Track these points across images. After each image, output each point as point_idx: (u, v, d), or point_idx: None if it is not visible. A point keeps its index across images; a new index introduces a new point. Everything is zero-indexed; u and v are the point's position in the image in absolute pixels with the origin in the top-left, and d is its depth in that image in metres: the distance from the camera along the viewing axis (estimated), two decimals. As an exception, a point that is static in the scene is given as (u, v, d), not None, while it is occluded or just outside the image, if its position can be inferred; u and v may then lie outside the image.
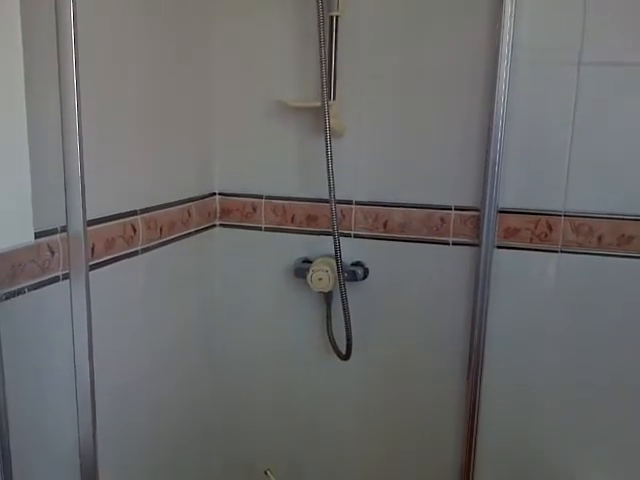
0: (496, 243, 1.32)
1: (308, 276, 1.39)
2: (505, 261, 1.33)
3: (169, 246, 1.29)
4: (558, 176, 1.28)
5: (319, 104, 1.28)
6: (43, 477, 0.99)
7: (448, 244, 1.36)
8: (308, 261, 1.43)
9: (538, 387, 1.38)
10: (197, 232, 1.42)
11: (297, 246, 1.46)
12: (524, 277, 1.33)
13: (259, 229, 1.49)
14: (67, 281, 0.87)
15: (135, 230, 1.17)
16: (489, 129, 1.26)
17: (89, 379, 0.83)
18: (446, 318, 1.40)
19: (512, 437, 1.42)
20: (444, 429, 1.45)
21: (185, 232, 1.36)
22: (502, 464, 1.44)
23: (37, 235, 0.90)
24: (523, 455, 1.42)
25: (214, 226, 1.50)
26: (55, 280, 0.97)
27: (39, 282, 0.94)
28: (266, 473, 1.45)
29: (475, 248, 1.33)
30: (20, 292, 0.91)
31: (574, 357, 1.34)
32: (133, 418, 1.24)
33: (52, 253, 0.96)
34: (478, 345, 1.35)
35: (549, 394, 1.37)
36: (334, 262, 1.34)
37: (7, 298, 0.89)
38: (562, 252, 1.31)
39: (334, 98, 1.34)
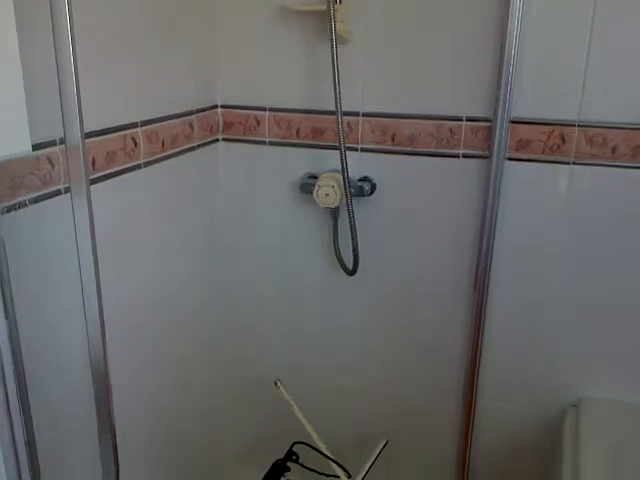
0: (507, 155, 1.29)
1: (314, 192, 1.37)
2: (516, 174, 1.30)
3: (172, 160, 1.27)
4: (573, 85, 1.23)
5: (324, 7, 1.21)
6: (56, 394, 1.01)
7: (458, 157, 1.33)
8: (314, 177, 1.40)
9: (544, 301, 1.38)
10: (200, 147, 1.38)
11: (303, 161, 1.43)
12: (534, 190, 1.31)
13: (263, 143, 1.45)
14: (69, 195, 0.85)
15: (136, 143, 1.14)
16: (503, 35, 1.20)
17: (96, 295, 0.82)
18: (454, 233, 1.38)
19: (515, 353, 1.44)
20: (450, 346, 1.47)
21: (188, 146, 1.33)
22: (505, 379, 1.47)
23: (36, 147, 0.88)
24: (526, 370, 1.45)
25: (217, 140, 1.46)
26: (57, 193, 0.96)
27: (40, 195, 0.93)
28: (276, 384, 1.49)
29: (485, 160, 1.30)
30: (21, 205, 0.90)
31: (581, 272, 1.34)
32: (142, 338, 1.26)
33: (52, 165, 0.94)
34: (486, 259, 1.34)
35: (553, 308, 1.38)
36: (341, 177, 1.31)
37: (9, 211, 0.88)
38: (574, 164, 1.28)
39: (340, 1, 1.26)
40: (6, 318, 0.86)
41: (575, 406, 1.42)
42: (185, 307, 1.42)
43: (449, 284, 1.43)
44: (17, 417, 0.90)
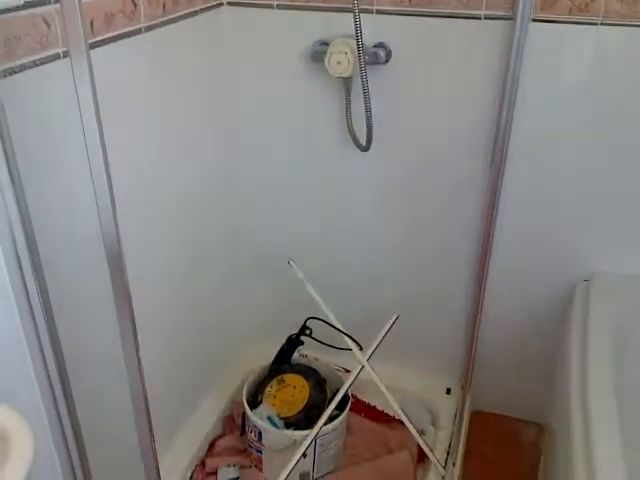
0: (532, 16, 1.20)
1: (326, 60, 1.29)
2: (540, 36, 1.22)
3: (174, 25, 1.18)
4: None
5: None
6: (71, 266, 1.01)
7: (479, 18, 1.24)
8: (325, 43, 1.32)
9: (558, 179, 1.36)
10: (203, 11, 1.29)
11: (313, 26, 1.33)
12: (559, 54, 1.24)
13: (271, 7, 1.35)
14: (68, 59, 0.80)
15: (135, 4, 1.06)
16: None
17: (103, 164, 0.79)
18: (473, 106, 1.33)
19: (528, 229, 1.43)
20: (464, 222, 1.46)
21: (190, 10, 1.24)
22: (518, 255, 1.47)
23: (28, 4, 0.82)
24: (538, 246, 1.45)
25: (221, 4, 1.36)
26: (56, 57, 0.90)
27: (39, 59, 0.87)
28: (289, 263, 1.49)
29: (509, 22, 1.21)
30: (20, 68, 0.85)
31: (600, 146, 1.30)
32: (153, 210, 1.24)
33: (48, 26, 0.88)
34: (504, 132, 1.29)
35: (567, 186, 1.36)
36: (354, 43, 1.23)
37: (7, 74, 0.83)
38: (602, 24, 1.19)
39: None
40: (12, 184, 0.84)
41: (587, 280, 1.43)
42: (195, 180, 1.39)
43: (466, 162, 1.39)
44: (33, 288, 0.91)
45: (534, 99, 1.28)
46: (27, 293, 0.87)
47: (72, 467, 1.03)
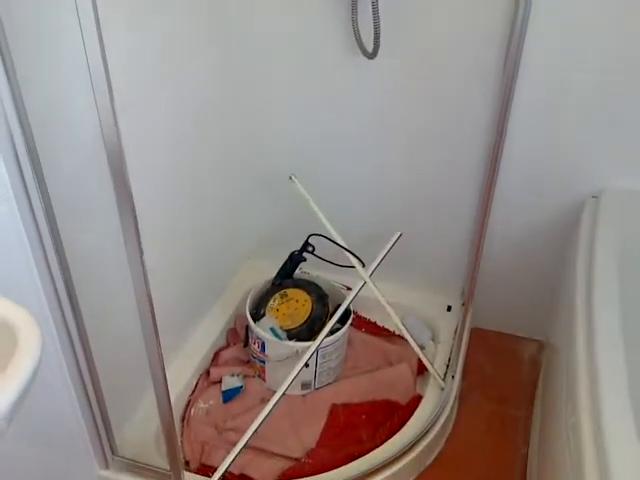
0: None
1: (333, -42, 1.22)
2: None
3: None
4: None
5: None
6: (71, 166, 0.99)
7: None
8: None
9: (569, 93, 1.32)
10: None
11: None
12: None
13: None
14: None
15: None
16: None
17: (101, 60, 0.75)
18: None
19: (537, 144, 1.40)
20: (472, 134, 1.42)
21: None
22: (526, 170, 1.45)
23: None
24: (547, 161, 1.43)
25: None
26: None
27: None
28: (291, 178, 1.47)
29: None
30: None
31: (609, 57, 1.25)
32: (154, 110, 1.21)
33: None
34: (520, 31, 1.22)
35: (578, 100, 1.33)
36: (363, -61, 1.16)
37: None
38: None
39: None
40: (8, 84, 0.80)
41: (595, 197, 1.41)
42: (196, 92, 1.35)
43: (477, 65, 1.33)
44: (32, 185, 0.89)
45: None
46: (27, 193, 0.85)
47: (79, 367, 1.04)
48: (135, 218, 0.83)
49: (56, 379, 1.04)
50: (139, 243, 0.84)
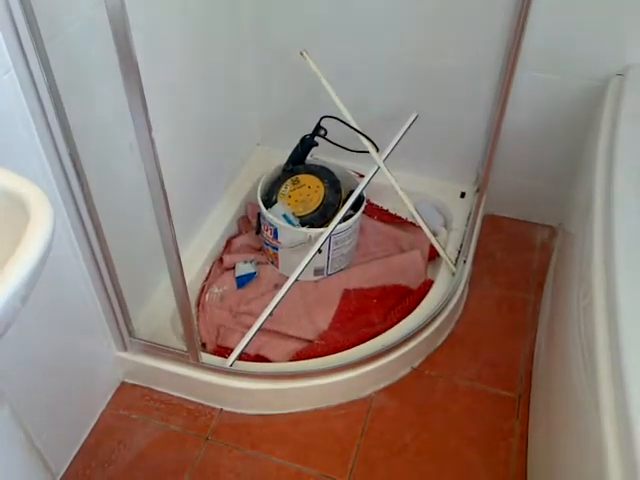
0: None
1: None
2: None
3: None
4: None
5: None
6: (72, 35, 0.93)
7: None
8: None
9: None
10: None
11: None
12: None
13: None
14: None
15: None
16: None
17: None
18: None
19: (562, 19, 1.32)
20: (492, 7, 1.33)
21: None
22: (550, 47, 1.37)
23: None
24: (571, 37, 1.35)
25: None
26: None
27: None
28: (302, 54, 1.39)
29: None
30: None
31: None
32: None
33: None
34: None
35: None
36: None
37: None
38: None
39: None
40: None
41: (620, 75, 1.33)
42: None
43: None
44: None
45: None
46: (26, 59, 0.81)
47: (90, 246, 1.04)
48: (141, 90, 0.79)
49: (69, 258, 1.04)
50: (147, 117, 0.81)
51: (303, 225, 1.42)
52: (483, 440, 1.25)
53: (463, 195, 1.65)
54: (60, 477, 1.17)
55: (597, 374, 0.82)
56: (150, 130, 0.82)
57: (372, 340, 1.31)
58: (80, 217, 1.00)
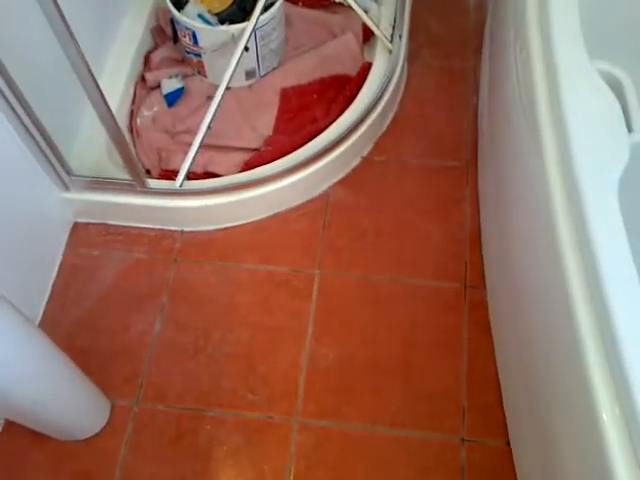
0: None
1: None
2: None
3: None
4: None
5: None
6: None
7: None
8: None
9: None
10: None
11: None
12: None
13: None
14: None
15: None
16: None
17: None
18: None
19: None
20: None
21: None
22: None
23: None
24: None
25: None
26: None
27: None
28: None
29: None
30: None
31: None
32: None
33: None
34: None
35: None
36: None
37: None
38: None
39: None
40: None
41: None
42: None
43: None
44: None
45: None
46: None
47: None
48: None
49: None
50: None
51: (222, 23, 1.29)
52: (437, 210, 1.30)
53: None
54: (38, 321, 1.19)
55: (538, 121, 0.85)
56: None
57: (319, 137, 1.29)
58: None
